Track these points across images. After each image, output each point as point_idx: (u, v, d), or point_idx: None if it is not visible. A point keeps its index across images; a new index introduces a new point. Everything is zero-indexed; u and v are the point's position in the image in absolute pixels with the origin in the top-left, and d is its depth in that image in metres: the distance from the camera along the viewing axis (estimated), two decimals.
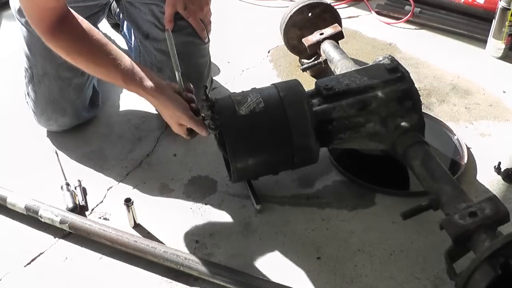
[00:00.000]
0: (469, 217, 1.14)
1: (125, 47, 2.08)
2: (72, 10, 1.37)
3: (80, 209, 1.47)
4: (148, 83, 1.37)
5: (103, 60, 1.37)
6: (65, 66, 1.56)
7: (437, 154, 1.40)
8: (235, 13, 2.40)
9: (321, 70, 1.94)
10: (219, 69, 2.05)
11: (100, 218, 1.47)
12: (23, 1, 1.32)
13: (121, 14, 1.92)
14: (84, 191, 1.53)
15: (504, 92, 1.90)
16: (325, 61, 1.85)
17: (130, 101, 1.84)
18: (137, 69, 1.38)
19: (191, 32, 1.68)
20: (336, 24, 1.95)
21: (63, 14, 1.34)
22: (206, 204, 1.51)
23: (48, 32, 1.34)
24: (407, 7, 2.33)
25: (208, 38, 1.74)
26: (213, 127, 1.37)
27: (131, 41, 1.93)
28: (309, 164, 1.49)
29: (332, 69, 1.79)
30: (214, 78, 1.98)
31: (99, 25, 1.87)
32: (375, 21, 2.34)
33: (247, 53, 2.14)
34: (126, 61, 1.38)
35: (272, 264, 1.35)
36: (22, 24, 1.59)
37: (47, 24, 1.32)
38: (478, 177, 1.56)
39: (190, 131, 1.42)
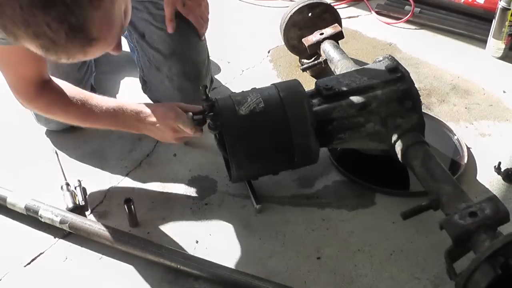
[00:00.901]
0: (469, 217, 1.14)
1: (126, 47, 2.08)
2: (52, 78, 1.43)
3: (80, 209, 1.47)
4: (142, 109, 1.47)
5: (90, 119, 1.47)
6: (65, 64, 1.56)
7: (437, 154, 1.40)
8: (235, 13, 2.40)
9: (321, 70, 1.94)
10: (219, 68, 2.05)
11: (100, 218, 1.47)
12: (5, 75, 1.35)
13: None
14: (84, 191, 1.52)
15: (504, 92, 1.90)
16: (325, 61, 1.85)
17: (130, 101, 1.84)
18: (126, 105, 1.48)
19: (185, 31, 1.67)
20: (336, 24, 1.95)
21: (45, 81, 1.40)
22: (206, 204, 1.51)
23: (31, 100, 1.41)
24: (407, 7, 2.33)
25: (204, 36, 1.73)
26: (213, 127, 1.37)
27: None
28: (309, 164, 1.49)
29: (332, 69, 1.79)
30: (215, 77, 1.98)
31: None
32: (375, 21, 2.34)
33: (247, 53, 2.14)
34: (111, 102, 1.47)
35: (272, 264, 1.35)
36: None
37: (30, 93, 1.38)
38: (478, 177, 1.56)
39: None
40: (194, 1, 1.66)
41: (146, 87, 1.80)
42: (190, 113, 1.44)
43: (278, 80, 1.49)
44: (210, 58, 1.98)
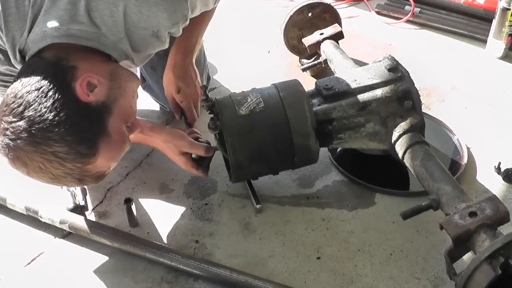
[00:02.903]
0: (469, 217, 1.14)
1: None
2: None
3: (80, 209, 1.47)
4: (146, 125, 1.49)
5: None
6: None
7: (437, 154, 1.40)
8: (235, 13, 2.40)
9: (321, 70, 1.94)
10: (217, 69, 2.05)
11: (100, 218, 1.47)
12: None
13: None
14: (84, 191, 1.52)
15: (504, 92, 1.90)
16: (325, 61, 1.85)
17: None
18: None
19: None
20: (336, 24, 1.95)
21: None
22: (206, 204, 1.51)
23: None
24: (407, 7, 2.33)
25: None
26: (213, 127, 1.37)
27: None
28: (309, 164, 1.49)
29: (332, 69, 1.79)
30: (214, 77, 1.98)
31: None
32: (375, 21, 2.34)
33: (247, 53, 2.14)
34: None
35: (272, 264, 1.35)
36: None
37: None
38: (478, 177, 1.56)
39: (198, 163, 1.48)
40: (191, 87, 1.62)
41: (145, 85, 1.80)
42: (194, 155, 1.48)
43: (278, 80, 1.48)
44: (210, 58, 1.99)
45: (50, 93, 1.07)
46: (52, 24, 1.14)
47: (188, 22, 1.30)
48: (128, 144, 1.22)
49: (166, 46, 1.34)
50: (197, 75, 1.63)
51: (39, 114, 1.06)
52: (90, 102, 1.11)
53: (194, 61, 1.62)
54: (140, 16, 1.19)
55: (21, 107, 1.06)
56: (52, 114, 1.06)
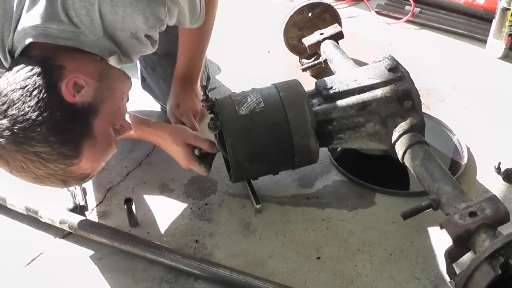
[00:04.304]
0: (469, 217, 1.14)
1: None
2: None
3: (80, 209, 1.47)
4: (147, 122, 1.50)
5: None
6: None
7: (437, 154, 1.40)
8: (235, 13, 2.40)
9: (321, 70, 1.94)
10: (219, 68, 2.05)
11: (100, 218, 1.47)
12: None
13: None
14: (84, 191, 1.52)
15: (504, 92, 1.90)
16: (325, 61, 1.85)
17: (130, 100, 1.83)
18: (137, 118, 1.49)
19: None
20: (336, 24, 1.95)
21: None
22: (206, 204, 1.51)
23: None
24: (407, 7, 2.33)
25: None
26: (213, 127, 1.37)
27: None
28: (309, 164, 1.49)
29: (332, 69, 1.79)
30: (214, 77, 1.98)
31: None
32: (375, 21, 2.34)
33: (247, 53, 2.14)
34: None
35: (272, 264, 1.35)
36: None
37: None
38: (478, 177, 1.56)
39: (201, 159, 1.47)
40: (188, 102, 1.61)
41: (145, 85, 1.80)
42: (197, 150, 1.47)
43: (278, 80, 1.48)
44: (211, 58, 1.99)
45: (35, 92, 1.05)
46: (31, 22, 1.12)
47: (164, 27, 1.27)
48: (114, 147, 1.20)
49: (152, 49, 1.31)
50: (199, 97, 1.62)
51: (22, 113, 1.04)
52: (75, 102, 1.09)
53: (197, 85, 1.63)
54: (116, 16, 1.16)
55: (5, 105, 1.05)
56: (35, 113, 1.04)
